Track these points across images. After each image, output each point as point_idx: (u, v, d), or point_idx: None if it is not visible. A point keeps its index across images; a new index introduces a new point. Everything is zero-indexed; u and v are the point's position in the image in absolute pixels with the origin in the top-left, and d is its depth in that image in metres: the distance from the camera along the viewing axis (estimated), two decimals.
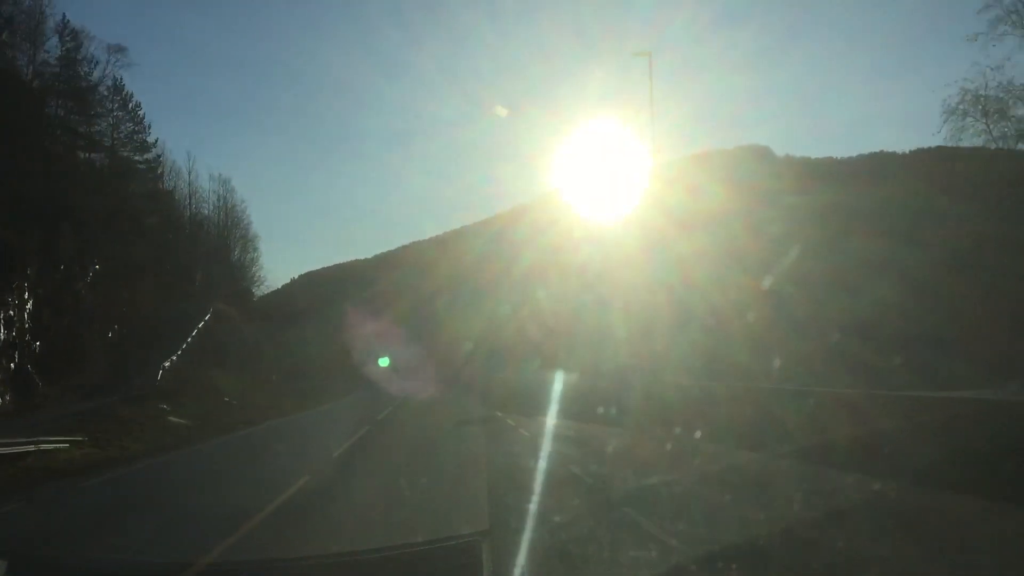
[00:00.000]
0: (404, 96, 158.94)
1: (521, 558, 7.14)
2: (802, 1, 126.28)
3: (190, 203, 63.07)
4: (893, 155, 45.86)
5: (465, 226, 71.02)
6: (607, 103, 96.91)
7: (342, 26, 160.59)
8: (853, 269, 22.19)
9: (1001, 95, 22.26)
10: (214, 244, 65.73)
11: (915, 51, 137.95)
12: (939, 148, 42.28)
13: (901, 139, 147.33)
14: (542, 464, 12.39)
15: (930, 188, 25.53)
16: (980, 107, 22.49)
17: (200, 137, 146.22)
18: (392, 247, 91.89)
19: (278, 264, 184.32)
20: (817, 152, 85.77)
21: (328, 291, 76.84)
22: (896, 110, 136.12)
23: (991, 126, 22.70)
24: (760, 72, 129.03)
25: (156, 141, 52.54)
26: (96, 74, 45.43)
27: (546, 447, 14.86)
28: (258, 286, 74.24)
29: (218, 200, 66.43)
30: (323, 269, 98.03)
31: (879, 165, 42.01)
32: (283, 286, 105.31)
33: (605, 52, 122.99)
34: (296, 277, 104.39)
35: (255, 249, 72.28)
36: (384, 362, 51.58)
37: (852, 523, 6.97)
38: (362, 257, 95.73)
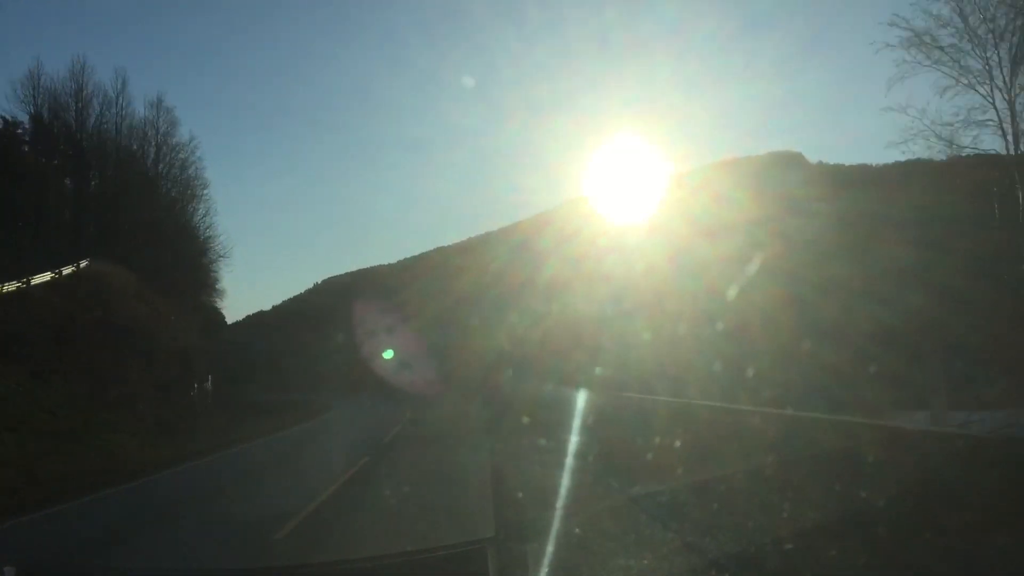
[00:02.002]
0: (427, 103, 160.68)
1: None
2: (832, 5, 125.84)
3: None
4: (929, 163, 45.83)
5: (489, 233, 71.53)
6: (632, 111, 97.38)
7: (367, 35, 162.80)
8: (881, 276, 22.38)
9: None
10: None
11: None
12: (976, 155, 42.22)
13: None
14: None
15: (960, 196, 25.65)
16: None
17: (224, 139, 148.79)
18: (415, 253, 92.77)
19: (297, 270, 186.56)
20: (851, 159, 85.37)
21: (349, 297, 77.54)
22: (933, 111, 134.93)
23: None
24: (791, 78, 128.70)
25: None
26: None
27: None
28: (220, 263, 59.16)
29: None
30: (345, 275, 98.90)
31: (912, 173, 41.96)
32: (305, 291, 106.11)
33: (630, 60, 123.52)
34: (319, 282, 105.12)
35: (206, 207, 57.33)
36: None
37: None
38: (385, 263, 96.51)
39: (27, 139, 44.67)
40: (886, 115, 25.79)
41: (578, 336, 31.79)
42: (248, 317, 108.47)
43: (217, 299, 61.72)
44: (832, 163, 49.71)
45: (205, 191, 57.22)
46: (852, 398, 16.35)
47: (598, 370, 25.18)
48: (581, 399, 21.45)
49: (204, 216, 57.23)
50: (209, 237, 57.35)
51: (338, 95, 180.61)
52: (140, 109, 54.09)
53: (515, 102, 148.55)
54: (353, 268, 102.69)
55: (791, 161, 48.43)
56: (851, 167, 48.85)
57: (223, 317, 61.53)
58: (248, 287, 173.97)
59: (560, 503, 10.58)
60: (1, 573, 5.33)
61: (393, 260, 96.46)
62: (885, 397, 16.47)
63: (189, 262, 50.62)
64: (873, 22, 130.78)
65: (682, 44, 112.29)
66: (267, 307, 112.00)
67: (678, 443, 12.46)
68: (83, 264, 36.09)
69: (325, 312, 79.82)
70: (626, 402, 19.09)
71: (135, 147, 50.82)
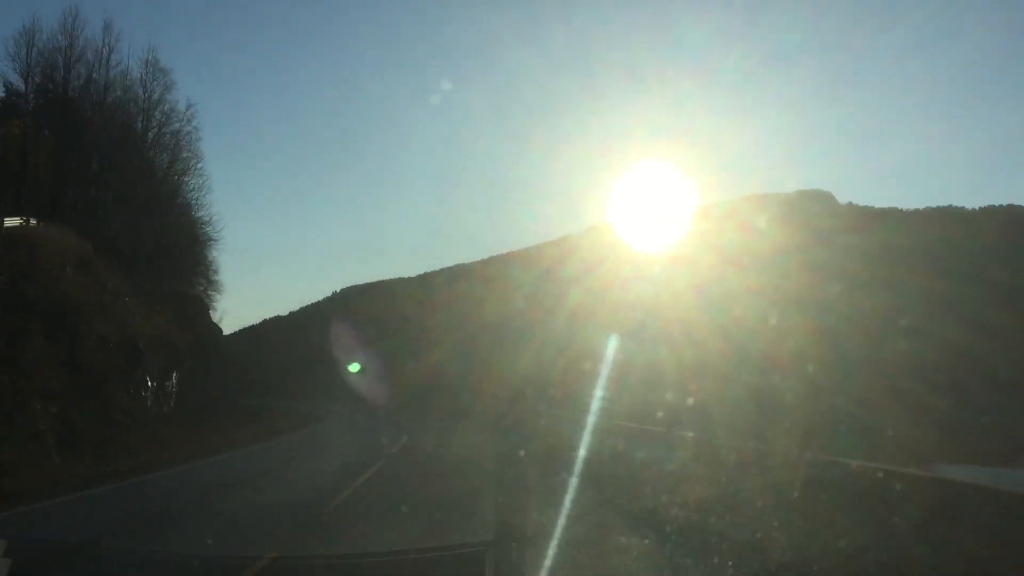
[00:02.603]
0: (450, 131, 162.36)
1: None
2: (864, 39, 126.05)
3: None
4: (961, 211, 45.48)
5: (512, 253, 71.63)
6: (658, 140, 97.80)
7: (393, 61, 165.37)
8: (910, 309, 22.28)
9: None
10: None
11: (988, 94, 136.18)
12: (1010, 206, 42.04)
13: (972, 186, 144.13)
14: None
15: (994, 233, 25.53)
16: None
17: (244, 166, 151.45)
18: (435, 268, 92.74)
19: (313, 280, 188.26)
20: (881, 200, 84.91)
21: (366, 308, 77.92)
22: (966, 157, 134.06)
23: None
24: (822, 112, 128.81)
25: None
26: None
27: None
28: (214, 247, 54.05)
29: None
30: (364, 284, 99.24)
31: (945, 219, 41.71)
32: (324, 298, 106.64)
33: (657, 90, 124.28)
34: (337, 291, 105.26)
35: (202, 183, 51.52)
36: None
37: None
38: (405, 275, 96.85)
39: (29, 108, 41.03)
40: (920, 155, 25.72)
41: (600, 365, 31.74)
42: (265, 321, 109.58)
43: (208, 288, 56.21)
44: (862, 204, 49.41)
45: (199, 165, 51.27)
46: (883, 432, 16.23)
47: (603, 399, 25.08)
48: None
49: (196, 193, 51.36)
50: (200, 217, 51.42)
51: (354, 118, 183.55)
52: (135, 68, 46.60)
53: (541, 129, 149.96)
54: (372, 279, 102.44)
55: (820, 200, 48.35)
56: (881, 209, 48.54)
57: (206, 307, 52.83)
58: (266, 290, 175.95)
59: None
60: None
61: (412, 274, 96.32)
62: (915, 432, 16.34)
63: (172, 241, 44.75)
64: (906, 57, 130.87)
65: (710, 75, 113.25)
66: (284, 312, 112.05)
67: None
68: (32, 222, 31.60)
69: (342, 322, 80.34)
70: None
71: (125, 110, 45.90)
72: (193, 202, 51.69)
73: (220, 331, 57.77)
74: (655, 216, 36.14)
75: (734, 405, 21.56)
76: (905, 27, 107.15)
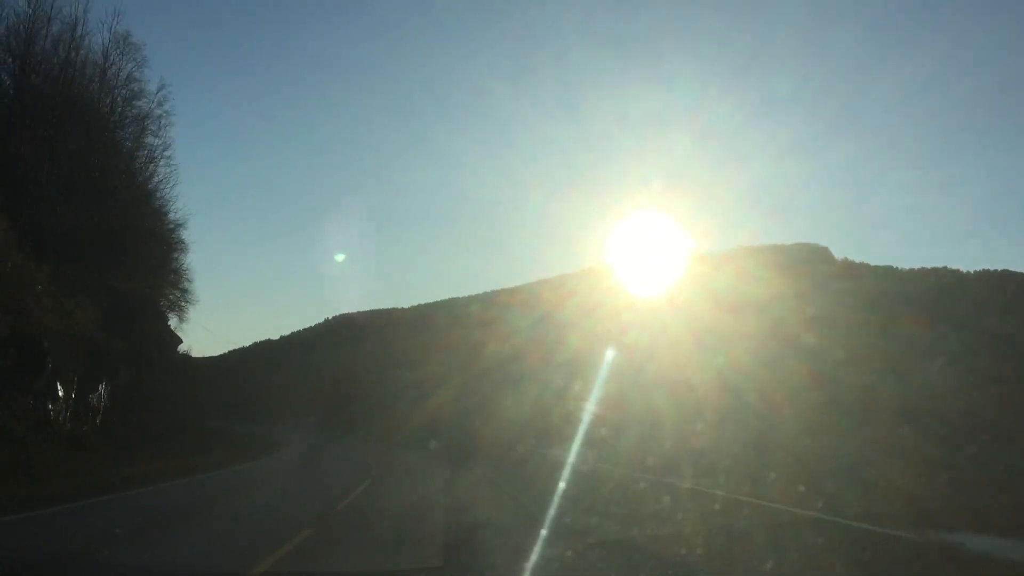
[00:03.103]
0: (448, 176, 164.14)
1: None
2: (859, 88, 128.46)
3: None
4: (957, 273, 46.09)
5: (511, 301, 72.32)
6: (655, 186, 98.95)
7: (385, 101, 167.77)
8: (904, 355, 22.78)
9: None
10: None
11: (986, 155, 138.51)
12: (1004, 271, 42.78)
13: (968, 246, 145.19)
14: None
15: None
16: None
17: (236, 183, 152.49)
18: (431, 301, 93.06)
19: (306, 305, 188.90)
20: (877, 258, 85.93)
21: (360, 338, 77.84)
22: (963, 215, 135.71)
23: None
24: (816, 164, 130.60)
25: None
26: None
27: None
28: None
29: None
30: (358, 313, 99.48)
31: (940, 282, 42.24)
32: (316, 324, 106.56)
33: (651, 136, 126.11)
34: (330, 318, 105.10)
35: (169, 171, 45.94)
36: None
37: None
38: (400, 306, 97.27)
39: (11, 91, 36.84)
40: (917, 211, 26.47)
41: (598, 411, 31.99)
42: (256, 344, 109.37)
43: (180, 299, 50.52)
44: (858, 261, 50.04)
45: (167, 152, 46.17)
46: (879, 478, 16.53)
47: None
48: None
49: (163, 184, 46.27)
50: (167, 212, 46.46)
51: (358, 154, 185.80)
52: (100, 41, 41.02)
53: (535, 174, 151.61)
54: (367, 307, 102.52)
55: (816, 255, 49.31)
56: (876, 267, 49.11)
57: (160, 313, 46.20)
58: (259, 315, 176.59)
59: None
60: None
61: (406, 305, 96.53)
62: (911, 478, 16.63)
63: (122, 232, 37.92)
64: (901, 104, 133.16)
65: (703, 123, 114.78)
66: (275, 336, 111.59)
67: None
68: None
69: (336, 346, 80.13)
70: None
71: (85, 84, 40.80)
72: (159, 193, 46.05)
73: (177, 341, 50.55)
74: (652, 260, 36.91)
75: (731, 451, 21.86)
76: (907, 73, 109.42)
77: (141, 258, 41.10)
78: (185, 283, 52.02)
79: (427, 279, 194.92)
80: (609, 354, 29.97)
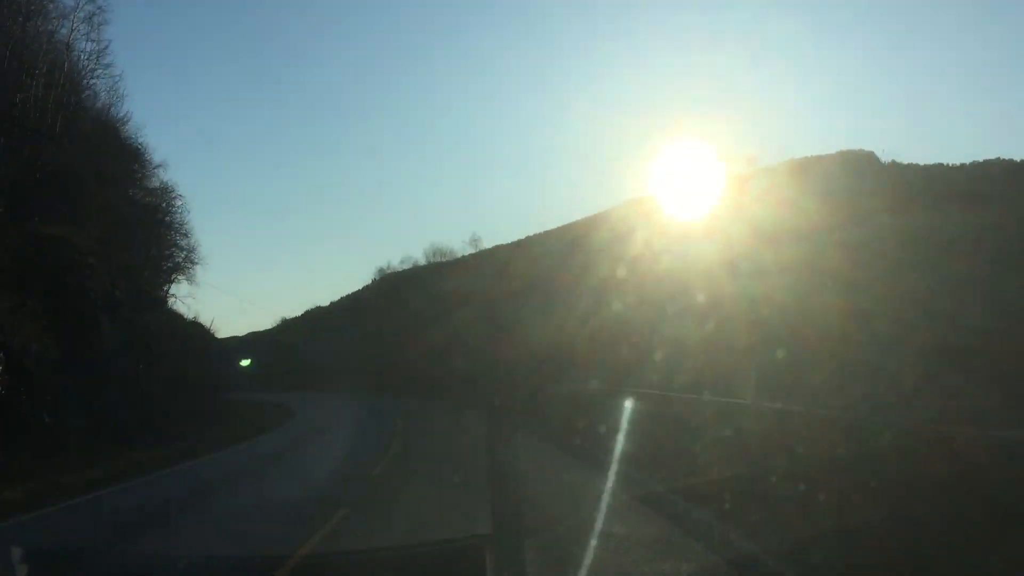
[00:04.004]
0: (487, 92, 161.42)
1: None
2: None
3: None
4: (1011, 163, 43.96)
5: (540, 231, 71.21)
6: (698, 109, 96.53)
7: (423, 19, 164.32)
8: (947, 293, 21.98)
9: None
10: None
11: None
12: None
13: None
14: None
15: None
16: None
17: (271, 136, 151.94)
18: (467, 248, 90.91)
19: (349, 263, 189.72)
20: (927, 158, 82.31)
21: (404, 291, 77.07)
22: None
23: None
24: (869, 75, 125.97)
25: None
26: None
27: None
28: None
29: None
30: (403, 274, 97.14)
31: (991, 175, 40.54)
32: (363, 287, 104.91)
33: (699, 56, 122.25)
34: (377, 278, 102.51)
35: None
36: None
37: None
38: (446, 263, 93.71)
39: None
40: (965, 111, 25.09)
41: (630, 339, 31.79)
42: (307, 312, 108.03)
43: (183, 258, 47.37)
44: (906, 162, 47.89)
45: (104, 59, 37.42)
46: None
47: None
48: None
49: (109, 101, 38.69)
50: (116, 133, 38.51)
51: (388, 80, 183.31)
52: None
53: (577, 97, 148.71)
54: (409, 265, 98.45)
55: (862, 161, 47.20)
56: (926, 167, 47.10)
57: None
58: (305, 282, 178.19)
59: None
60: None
61: (459, 249, 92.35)
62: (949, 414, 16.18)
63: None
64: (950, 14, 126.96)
65: (758, 41, 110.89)
66: (324, 303, 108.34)
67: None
68: None
69: (380, 307, 78.96)
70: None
71: None
72: (103, 117, 37.52)
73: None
74: (692, 188, 36.00)
75: (760, 383, 21.54)
76: None
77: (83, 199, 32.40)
78: (179, 238, 46.92)
79: (469, 219, 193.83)
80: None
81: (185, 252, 50.36)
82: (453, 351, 50.07)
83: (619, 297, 34.64)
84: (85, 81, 36.61)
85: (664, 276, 33.31)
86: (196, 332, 46.36)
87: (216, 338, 49.70)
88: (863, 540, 7.38)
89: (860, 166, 44.73)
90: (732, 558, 7.74)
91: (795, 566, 7.05)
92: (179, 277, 49.95)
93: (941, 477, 7.65)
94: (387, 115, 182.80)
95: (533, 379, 36.26)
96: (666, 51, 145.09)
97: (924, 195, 35.33)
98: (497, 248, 77.66)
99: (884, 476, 8.36)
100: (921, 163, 47.65)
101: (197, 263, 50.24)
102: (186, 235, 50.10)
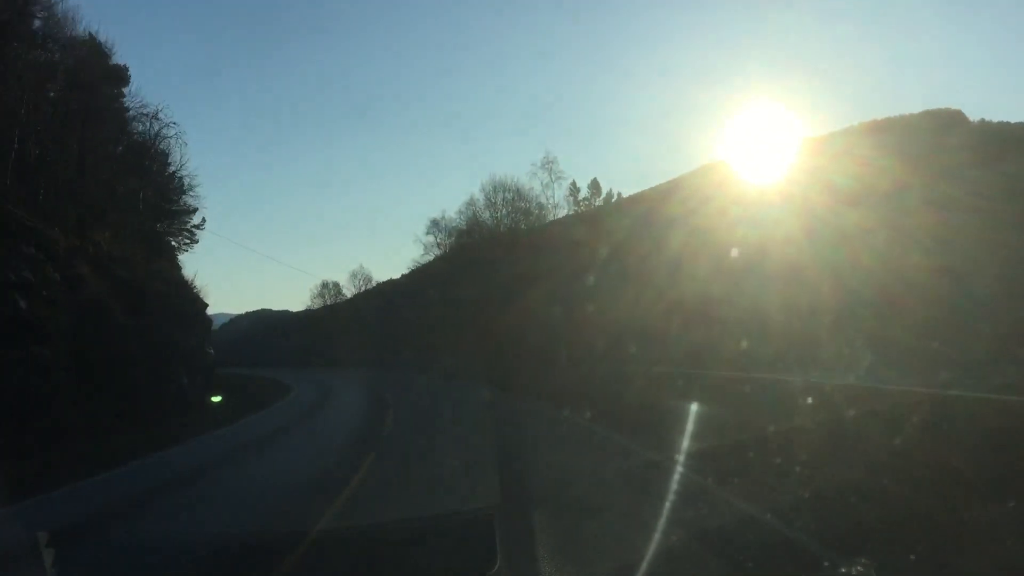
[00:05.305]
0: (557, 66, 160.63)
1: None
2: None
3: None
4: None
5: (611, 201, 70.09)
6: (771, 73, 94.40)
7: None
8: None
9: None
10: None
11: None
12: None
13: None
14: None
15: None
16: None
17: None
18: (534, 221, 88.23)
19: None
20: (1018, 115, 78.08)
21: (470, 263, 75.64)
22: None
23: None
24: (956, 31, 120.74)
25: None
26: None
27: None
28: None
29: None
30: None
31: None
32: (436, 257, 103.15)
33: (771, 16, 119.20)
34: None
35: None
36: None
37: None
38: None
39: None
40: None
41: (709, 312, 31.50)
42: (379, 284, 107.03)
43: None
44: (996, 120, 45.96)
45: None
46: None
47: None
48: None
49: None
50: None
51: (455, 51, 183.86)
52: None
53: (648, 62, 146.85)
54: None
55: (949, 120, 45.37)
56: (1018, 124, 45.06)
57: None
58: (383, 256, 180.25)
59: None
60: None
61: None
62: None
63: None
64: None
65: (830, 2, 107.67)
66: (397, 275, 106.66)
67: None
68: None
69: (448, 276, 77.25)
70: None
71: None
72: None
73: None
74: (768, 152, 35.45)
75: (849, 351, 21.19)
76: None
77: None
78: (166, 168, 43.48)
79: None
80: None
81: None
82: (526, 329, 49.90)
83: (695, 268, 34.31)
84: None
85: (740, 243, 32.88)
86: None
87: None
88: None
89: (947, 125, 43.08)
90: None
91: None
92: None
93: None
94: (448, 93, 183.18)
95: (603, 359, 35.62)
96: (738, 10, 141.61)
97: (1017, 151, 33.92)
98: (567, 217, 75.79)
99: None
100: (1013, 120, 45.79)
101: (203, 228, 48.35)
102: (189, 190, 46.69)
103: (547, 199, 72.29)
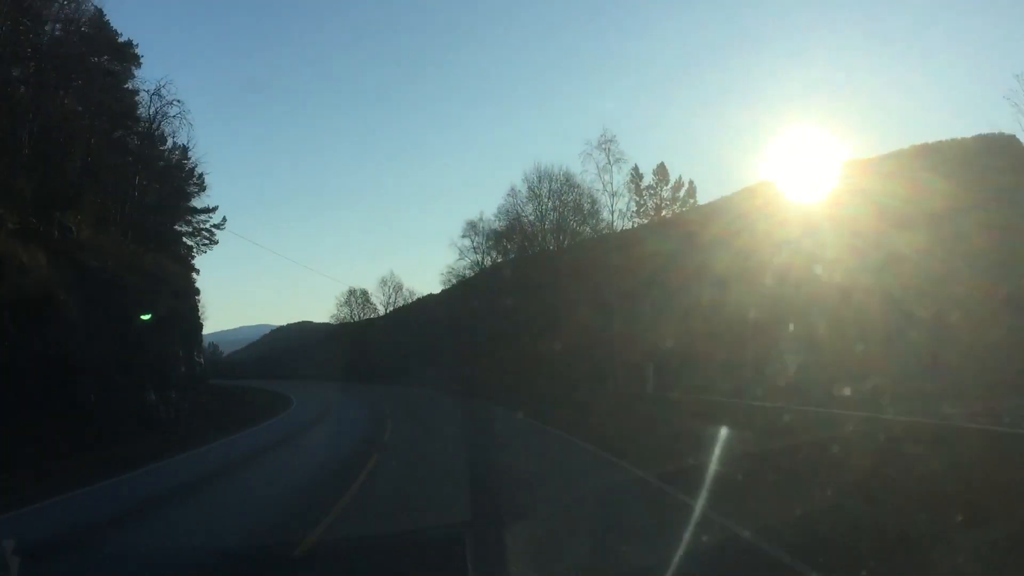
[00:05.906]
0: (603, 90, 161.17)
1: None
2: None
3: None
4: None
5: (681, 191, 68.21)
6: (817, 95, 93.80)
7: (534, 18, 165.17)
8: None
9: None
10: None
11: None
12: None
13: None
14: None
15: None
16: None
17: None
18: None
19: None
20: None
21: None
22: None
23: None
24: (1001, 48, 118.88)
25: None
26: None
27: None
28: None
29: None
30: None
31: None
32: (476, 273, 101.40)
33: (818, 40, 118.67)
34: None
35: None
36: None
37: None
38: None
39: None
40: None
41: (749, 337, 31.25)
42: (419, 299, 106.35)
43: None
44: None
45: None
46: None
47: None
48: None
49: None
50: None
51: (496, 73, 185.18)
52: None
53: (689, 89, 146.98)
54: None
55: (1002, 144, 44.58)
56: None
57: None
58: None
59: None
60: (1, 547, 5.92)
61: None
62: None
63: None
64: None
65: (880, 24, 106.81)
66: (437, 290, 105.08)
67: None
68: None
69: (498, 291, 75.68)
70: None
71: None
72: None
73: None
74: (814, 175, 35.14)
75: (901, 375, 20.89)
76: None
77: None
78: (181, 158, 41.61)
79: None
80: None
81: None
82: (565, 352, 49.64)
83: (740, 291, 34.04)
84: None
85: (786, 266, 32.60)
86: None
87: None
88: None
89: (999, 148, 42.33)
90: None
91: None
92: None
93: None
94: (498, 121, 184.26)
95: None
96: (781, 36, 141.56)
97: None
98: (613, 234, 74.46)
99: None
100: None
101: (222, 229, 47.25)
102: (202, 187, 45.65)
103: (604, 184, 63.39)
